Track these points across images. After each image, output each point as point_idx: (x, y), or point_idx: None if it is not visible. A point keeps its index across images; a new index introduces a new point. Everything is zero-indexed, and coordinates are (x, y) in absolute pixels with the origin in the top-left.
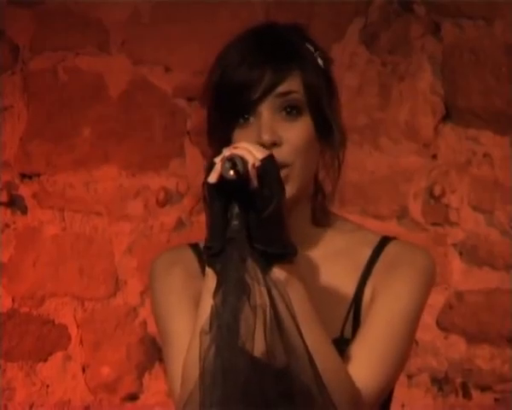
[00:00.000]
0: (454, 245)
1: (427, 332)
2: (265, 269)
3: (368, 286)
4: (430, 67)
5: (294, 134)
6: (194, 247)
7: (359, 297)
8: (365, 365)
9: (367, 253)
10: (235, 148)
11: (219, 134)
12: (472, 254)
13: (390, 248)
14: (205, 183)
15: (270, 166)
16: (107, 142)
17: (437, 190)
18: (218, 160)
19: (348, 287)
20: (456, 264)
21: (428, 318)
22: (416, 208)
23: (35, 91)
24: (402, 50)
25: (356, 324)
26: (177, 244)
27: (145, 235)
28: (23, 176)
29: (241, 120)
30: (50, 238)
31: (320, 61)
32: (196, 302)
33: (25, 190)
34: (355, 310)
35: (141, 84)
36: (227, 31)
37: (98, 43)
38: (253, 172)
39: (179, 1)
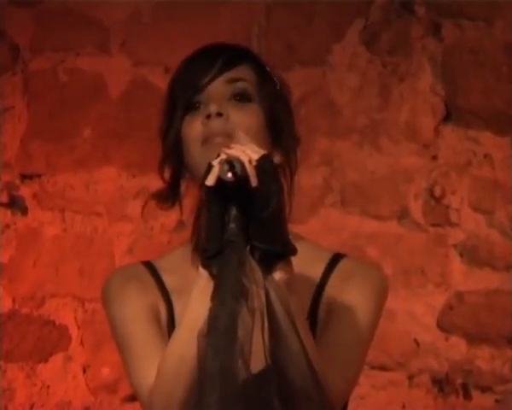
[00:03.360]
0: (454, 246)
1: (428, 333)
2: (265, 270)
3: (322, 302)
4: (430, 68)
5: (242, 115)
6: (147, 263)
7: (314, 313)
8: (334, 371)
9: (320, 269)
10: (230, 149)
11: (171, 128)
12: (472, 254)
13: (342, 265)
14: (202, 185)
15: (267, 165)
16: (108, 142)
17: (437, 191)
18: (215, 162)
19: (302, 302)
20: (457, 265)
21: (429, 318)
22: (416, 209)
23: (35, 92)
24: (402, 51)
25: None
26: (128, 263)
27: (145, 236)
28: (23, 176)
29: (192, 109)
30: (51, 239)
31: (275, 79)
32: (153, 311)
33: (25, 191)
34: (310, 325)
35: (141, 85)
36: (227, 31)
37: (98, 43)
38: (252, 172)
39: (179, 1)
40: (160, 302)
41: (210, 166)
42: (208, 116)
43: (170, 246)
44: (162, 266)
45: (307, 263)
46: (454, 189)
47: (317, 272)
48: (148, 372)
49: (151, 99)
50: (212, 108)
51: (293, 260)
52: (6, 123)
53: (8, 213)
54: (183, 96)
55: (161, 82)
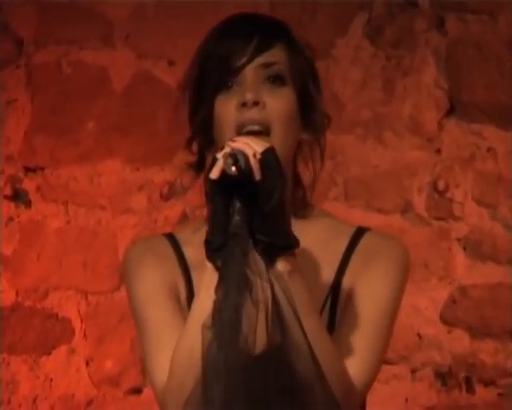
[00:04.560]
0: (458, 240)
1: (431, 327)
2: (268, 263)
3: (346, 276)
4: (434, 62)
5: (277, 101)
6: (169, 236)
7: (337, 287)
8: (355, 356)
9: (343, 243)
10: (234, 142)
11: (202, 105)
12: (476, 248)
13: (366, 239)
14: (207, 178)
15: (270, 159)
16: (111, 135)
17: (441, 185)
18: (219, 155)
19: (326, 277)
20: (460, 258)
21: (432, 312)
22: (419, 203)
23: (39, 85)
24: (406, 45)
25: (333, 312)
26: (151, 234)
27: (149, 229)
28: (27, 169)
29: (224, 88)
30: (54, 232)
31: (307, 51)
32: (172, 289)
33: (29, 184)
34: (332, 299)
35: (145, 78)
36: None
37: (102, 36)
38: (255, 165)
39: None
40: (180, 278)
41: (214, 159)
42: (244, 104)
43: None
44: (184, 238)
45: (330, 239)
46: (457, 183)
47: (340, 247)
48: (163, 360)
49: (155, 93)
50: (249, 97)
51: (317, 235)
52: (10, 116)
53: (12, 205)
54: (215, 76)
55: (165, 76)
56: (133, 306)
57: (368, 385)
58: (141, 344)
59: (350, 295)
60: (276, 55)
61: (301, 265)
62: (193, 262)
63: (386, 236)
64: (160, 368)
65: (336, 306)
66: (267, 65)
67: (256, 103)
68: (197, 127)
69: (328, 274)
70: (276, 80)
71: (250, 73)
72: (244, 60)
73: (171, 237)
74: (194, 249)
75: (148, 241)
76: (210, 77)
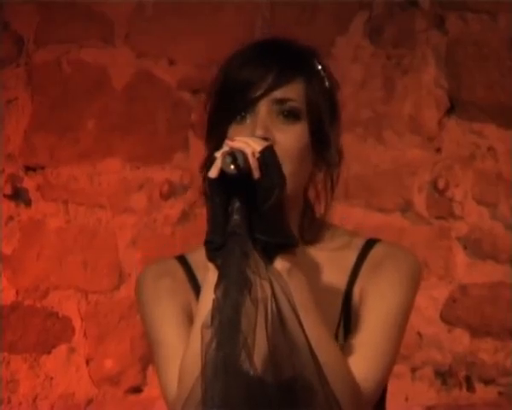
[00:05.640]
0: (458, 239)
1: (431, 325)
2: (267, 262)
3: (355, 290)
4: (434, 61)
5: (288, 137)
6: (181, 258)
7: (348, 303)
8: (363, 360)
9: (353, 257)
10: (233, 141)
11: (217, 131)
12: (476, 247)
13: (375, 251)
14: (205, 177)
15: (269, 158)
16: (111, 134)
17: (441, 184)
18: (218, 154)
19: (337, 293)
20: (460, 257)
21: (432, 311)
22: (420, 202)
23: (39, 84)
24: (406, 44)
25: (347, 328)
26: (162, 257)
27: (149, 228)
28: (27, 168)
29: (239, 118)
30: (54, 231)
31: (327, 82)
32: (185, 311)
33: (29, 183)
34: (345, 316)
35: (145, 77)
36: (231, 24)
37: (102, 35)
38: (254, 164)
39: None
40: (193, 301)
41: (213, 158)
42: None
43: (173, 238)
44: (195, 260)
45: (340, 252)
46: (458, 182)
47: (350, 260)
48: (175, 378)
49: (155, 92)
50: (259, 133)
51: (327, 249)
52: (10, 115)
53: (12, 204)
54: (229, 106)
55: (165, 74)
56: (147, 326)
57: (374, 389)
58: (156, 364)
59: (360, 304)
60: (293, 91)
61: (312, 283)
62: None
63: (394, 247)
64: (172, 382)
65: (349, 321)
66: (282, 101)
67: (266, 139)
68: (211, 150)
69: (339, 290)
70: (290, 116)
71: (264, 106)
72: (259, 93)
73: (183, 260)
74: (206, 272)
75: (161, 264)
76: (225, 105)
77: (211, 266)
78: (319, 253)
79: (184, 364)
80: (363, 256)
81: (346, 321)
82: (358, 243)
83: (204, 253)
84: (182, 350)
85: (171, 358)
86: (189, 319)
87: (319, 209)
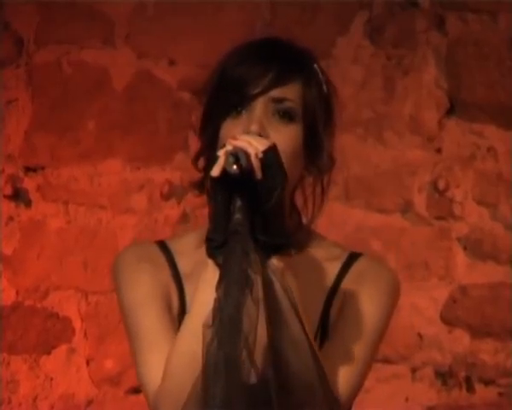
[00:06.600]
0: (458, 239)
1: (431, 326)
2: (264, 261)
3: (335, 303)
4: (434, 61)
5: (282, 137)
6: (161, 244)
7: (327, 312)
8: (340, 370)
9: (336, 268)
10: (236, 140)
11: (211, 124)
12: (476, 248)
13: (358, 264)
14: (208, 176)
15: (272, 158)
16: (112, 135)
17: (441, 184)
18: (221, 153)
19: (318, 302)
20: (460, 258)
21: (432, 312)
22: (420, 202)
23: (39, 84)
24: (406, 44)
25: (323, 337)
26: (142, 240)
27: (149, 228)
28: (27, 169)
29: (234, 113)
30: (54, 231)
31: (324, 87)
32: (165, 298)
33: (29, 183)
34: (323, 325)
35: (145, 78)
36: (232, 24)
37: (103, 36)
38: (256, 164)
39: None
40: (172, 287)
41: (216, 157)
42: (248, 132)
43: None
44: (177, 248)
45: (323, 263)
46: (458, 182)
47: (332, 272)
48: (155, 366)
49: (155, 92)
50: (253, 129)
51: (309, 260)
52: (10, 115)
53: (12, 205)
54: (226, 100)
55: (165, 75)
56: (124, 310)
57: (349, 401)
58: (131, 349)
59: (338, 315)
60: (291, 91)
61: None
62: (185, 273)
63: (376, 262)
64: (152, 373)
65: (327, 328)
66: (279, 100)
67: (260, 136)
68: (204, 145)
69: (320, 298)
70: (286, 116)
71: (261, 104)
72: (257, 91)
73: (164, 246)
74: (186, 259)
75: (141, 247)
76: (221, 99)
77: (210, 263)
78: (303, 259)
79: (175, 358)
80: (346, 268)
81: (324, 329)
82: (342, 255)
83: (187, 242)
84: (163, 338)
85: (152, 344)
86: (168, 305)
87: (306, 215)
